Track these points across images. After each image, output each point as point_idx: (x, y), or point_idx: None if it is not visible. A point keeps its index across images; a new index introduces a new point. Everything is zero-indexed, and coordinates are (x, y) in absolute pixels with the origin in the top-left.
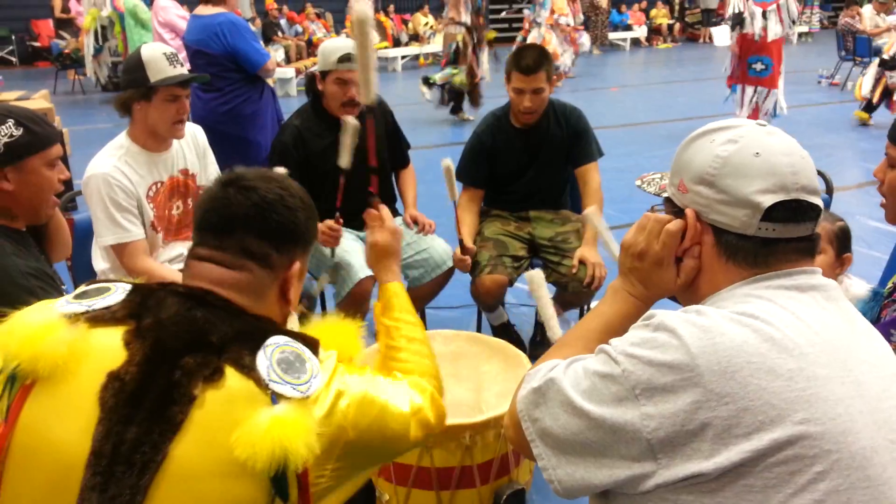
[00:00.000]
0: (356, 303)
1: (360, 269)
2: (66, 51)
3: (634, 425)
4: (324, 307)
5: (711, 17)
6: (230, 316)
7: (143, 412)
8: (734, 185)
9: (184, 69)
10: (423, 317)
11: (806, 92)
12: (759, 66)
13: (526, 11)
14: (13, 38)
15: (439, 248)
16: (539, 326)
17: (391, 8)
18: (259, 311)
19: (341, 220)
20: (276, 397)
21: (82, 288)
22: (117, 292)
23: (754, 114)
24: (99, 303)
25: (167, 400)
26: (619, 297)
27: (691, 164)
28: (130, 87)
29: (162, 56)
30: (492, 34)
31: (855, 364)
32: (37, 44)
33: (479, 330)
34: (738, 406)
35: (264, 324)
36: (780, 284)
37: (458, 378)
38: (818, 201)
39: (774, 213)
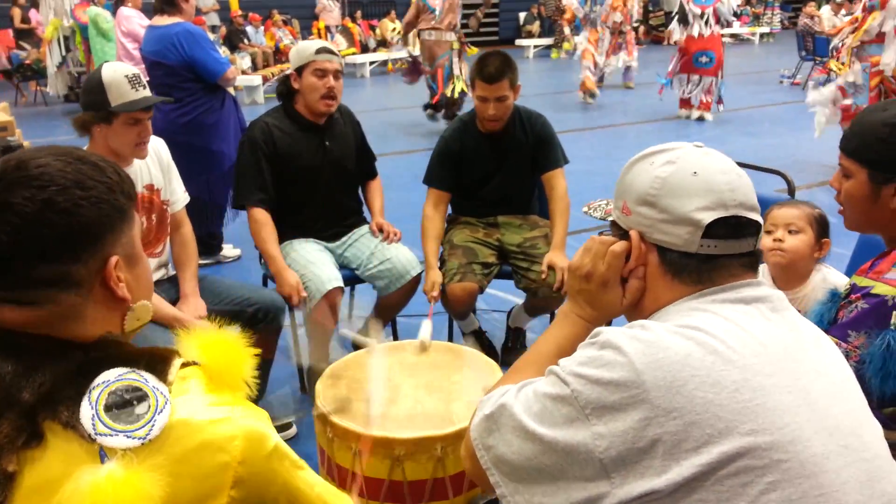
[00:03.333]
0: (325, 314)
1: (329, 280)
2: (27, 62)
3: (587, 446)
4: (293, 320)
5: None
6: (49, 358)
7: None
8: (674, 204)
9: (146, 91)
10: (393, 326)
11: (768, 91)
12: (704, 59)
13: (570, 1)
14: None
15: (402, 258)
16: (511, 332)
17: (358, 14)
18: (88, 333)
19: (304, 294)
20: (104, 452)
21: None
22: None
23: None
24: None
25: None
26: (568, 320)
27: (633, 186)
28: (90, 109)
29: (123, 79)
30: (472, 50)
31: (802, 372)
32: None
33: (450, 338)
34: (686, 420)
35: (97, 354)
36: (724, 298)
37: (429, 389)
38: (757, 217)
39: (715, 230)
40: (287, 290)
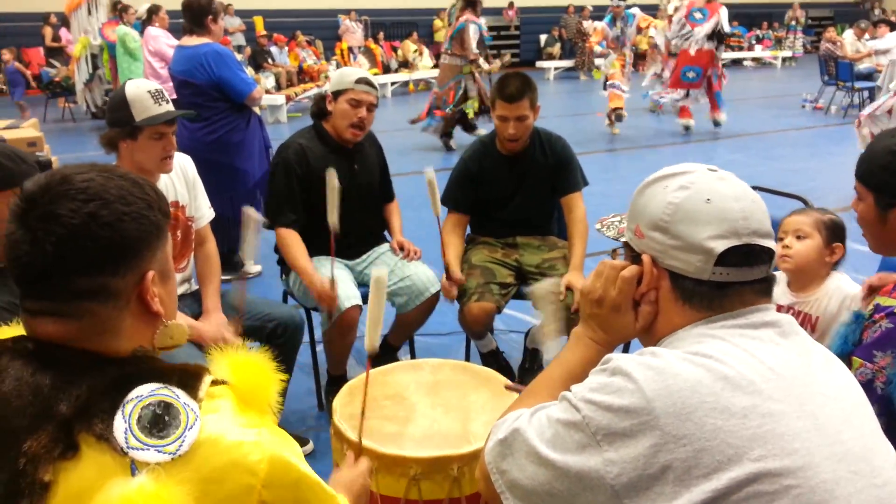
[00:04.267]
0: (343, 332)
1: (348, 297)
2: (57, 79)
3: (598, 472)
4: (311, 336)
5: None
6: (85, 371)
7: None
8: (687, 231)
9: (169, 106)
10: (410, 344)
11: (790, 116)
12: (691, 74)
13: (597, 24)
14: (3, 65)
15: (423, 275)
16: (528, 353)
17: (381, 35)
18: (123, 346)
19: (336, 288)
20: (135, 466)
21: None
22: None
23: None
24: None
25: (14, 492)
26: (581, 344)
27: (646, 209)
28: (115, 125)
29: (146, 94)
30: (501, 62)
31: (811, 398)
32: (27, 71)
33: (467, 357)
34: (696, 447)
35: (131, 368)
36: (734, 324)
37: (446, 408)
38: (771, 244)
39: (727, 258)
40: (318, 293)
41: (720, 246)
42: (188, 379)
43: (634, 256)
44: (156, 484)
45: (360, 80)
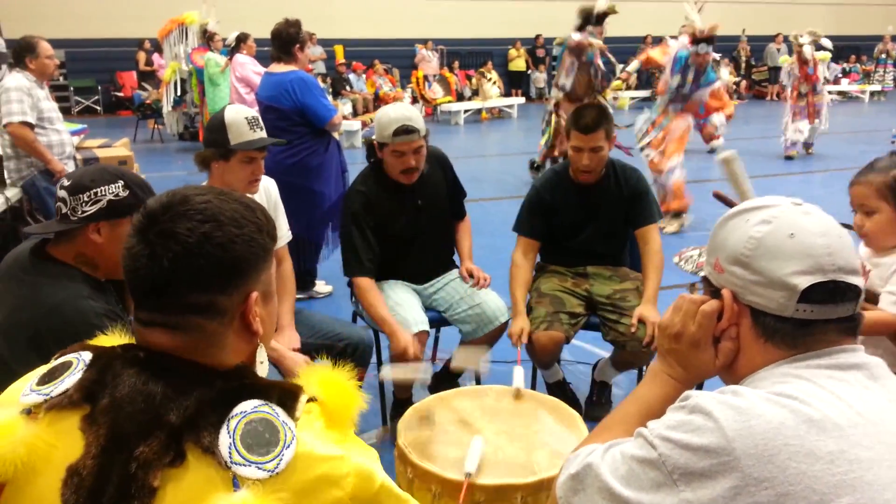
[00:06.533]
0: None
1: (416, 322)
2: (147, 101)
3: None
4: (379, 358)
5: (779, 74)
6: (194, 383)
7: None
8: (769, 266)
9: (263, 133)
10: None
11: (878, 151)
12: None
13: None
14: (99, 88)
15: (493, 304)
16: (596, 385)
17: (456, 64)
18: (225, 361)
19: (421, 353)
20: (237, 481)
21: (51, 364)
22: (77, 368)
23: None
24: (58, 387)
25: (125, 495)
26: (658, 380)
27: (726, 243)
28: (211, 146)
29: (243, 120)
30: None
31: None
32: (120, 94)
33: (533, 387)
34: (779, 491)
35: (235, 383)
36: (819, 364)
37: (511, 436)
38: (857, 281)
39: (812, 295)
40: (403, 347)
41: (804, 282)
42: (287, 398)
43: (713, 291)
44: (256, 500)
45: (397, 132)
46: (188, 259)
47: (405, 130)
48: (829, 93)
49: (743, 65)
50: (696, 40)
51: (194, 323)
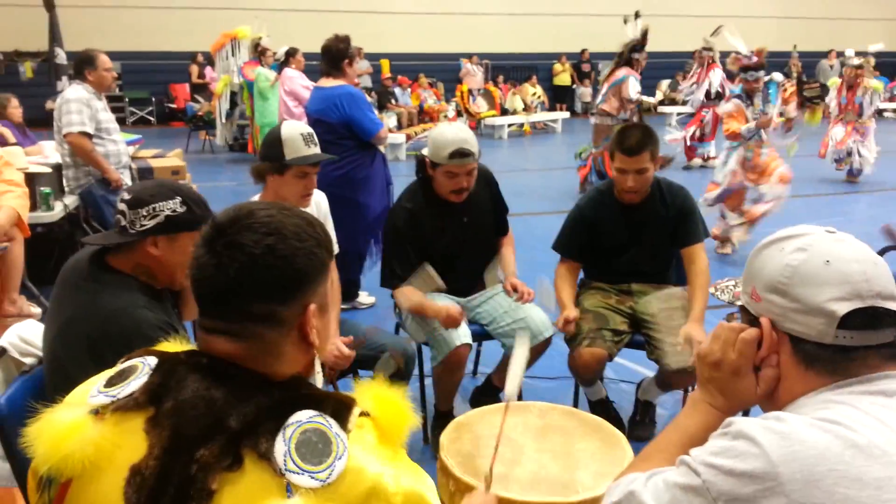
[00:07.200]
0: (451, 369)
1: (458, 336)
2: (199, 113)
3: None
4: (421, 370)
5: (829, 91)
6: (254, 390)
7: None
8: (806, 293)
9: (317, 149)
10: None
11: None
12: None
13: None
14: (153, 99)
15: (537, 318)
16: (640, 405)
17: (500, 78)
18: (283, 370)
19: (464, 314)
20: (290, 488)
21: (118, 367)
22: (142, 372)
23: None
24: (125, 389)
25: (185, 496)
26: (699, 409)
27: (763, 272)
28: (267, 160)
29: (299, 136)
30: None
31: None
32: (173, 105)
33: (575, 404)
34: None
35: (291, 393)
36: (862, 390)
37: (553, 454)
38: None
39: (851, 321)
40: (444, 312)
41: (842, 308)
42: (340, 409)
43: (751, 320)
44: None
45: (453, 155)
46: (252, 269)
47: (461, 154)
48: (884, 112)
49: (794, 81)
50: (744, 68)
51: (255, 332)
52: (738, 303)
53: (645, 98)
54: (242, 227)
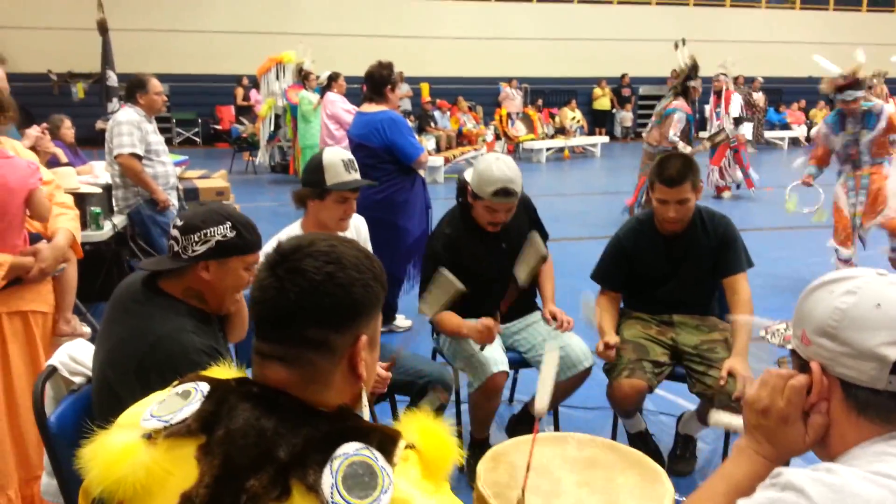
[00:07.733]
0: (488, 396)
1: (496, 363)
2: (244, 135)
3: None
4: (457, 397)
5: None
6: (302, 421)
7: None
8: (857, 337)
9: (357, 175)
10: (555, 415)
11: None
12: None
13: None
14: (199, 121)
15: (577, 347)
16: (680, 439)
17: (539, 102)
18: (331, 400)
19: (500, 328)
20: None
21: (169, 391)
22: (195, 398)
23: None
24: (177, 415)
25: None
26: (745, 457)
27: (812, 315)
28: (308, 185)
29: (340, 162)
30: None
31: None
32: (218, 127)
33: (614, 436)
34: None
35: (339, 424)
36: None
37: (592, 488)
38: None
39: None
40: (483, 326)
41: (895, 353)
42: (386, 442)
43: (802, 365)
44: None
45: (497, 193)
46: (312, 294)
47: (505, 192)
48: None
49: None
50: (840, 88)
51: (308, 358)
52: (789, 346)
53: (681, 145)
54: (305, 255)
